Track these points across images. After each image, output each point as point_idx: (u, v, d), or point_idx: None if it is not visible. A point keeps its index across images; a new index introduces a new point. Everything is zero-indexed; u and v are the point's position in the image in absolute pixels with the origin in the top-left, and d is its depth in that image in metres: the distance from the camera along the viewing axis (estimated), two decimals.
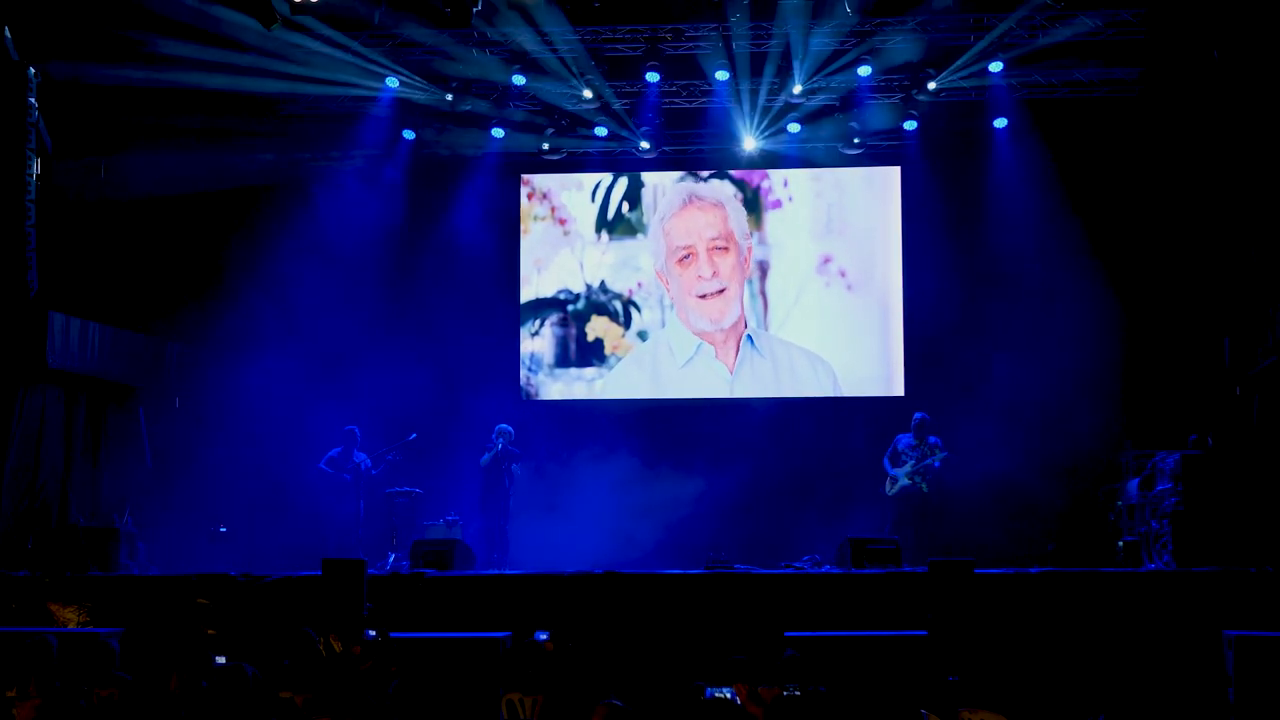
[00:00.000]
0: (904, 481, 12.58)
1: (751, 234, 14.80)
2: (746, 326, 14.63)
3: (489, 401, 14.20)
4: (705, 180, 14.94)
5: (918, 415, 12.78)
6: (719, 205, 14.84)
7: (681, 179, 14.99)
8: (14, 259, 11.49)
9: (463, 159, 14.83)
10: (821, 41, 13.33)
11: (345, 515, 12.72)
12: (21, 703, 6.67)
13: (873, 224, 14.73)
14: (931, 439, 12.61)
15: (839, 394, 14.46)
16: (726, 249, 14.74)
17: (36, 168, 11.66)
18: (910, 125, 14.09)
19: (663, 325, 14.77)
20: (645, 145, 14.43)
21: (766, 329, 14.66)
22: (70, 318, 12.39)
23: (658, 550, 12.60)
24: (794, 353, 14.58)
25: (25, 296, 11.63)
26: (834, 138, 14.37)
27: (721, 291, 14.65)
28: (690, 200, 14.90)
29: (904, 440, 12.74)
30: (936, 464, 12.50)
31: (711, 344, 14.64)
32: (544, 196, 15.15)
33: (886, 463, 12.78)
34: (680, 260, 14.74)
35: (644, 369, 14.75)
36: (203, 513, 13.43)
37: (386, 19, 13.18)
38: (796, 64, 13.48)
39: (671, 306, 14.75)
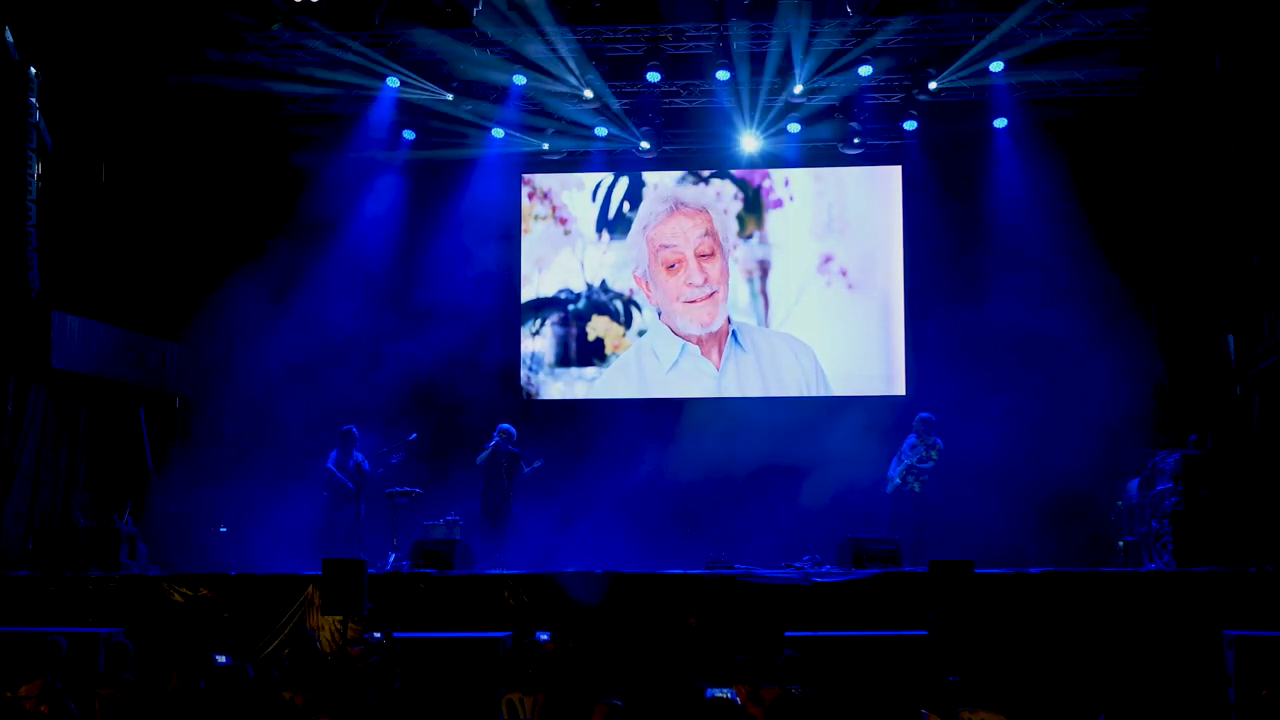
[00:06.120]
0: (897, 482, 12.59)
1: (753, 234, 14.80)
2: (730, 323, 14.63)
3: (489, 401, 14.21)
4: (706, 181, 14.94)
5: (921, 415, 12.77)
6: (703, 210, 14.84)
7: (682, 179, 14.98)
8: (15, 259, 11.48)
9: (463, 159, 14.83)
10: (822, 41, 13.34)
11: (345, 515, 12.72)
12: (31, 701, 6.68)
13: (873, 223, 14.72)
14: (935, 439, 12.60)
15: (822, 379, 14.49)
16: (713, 254, 14.75)
17: (37, 168, 11.65)
18: (910, 125, 14.08)
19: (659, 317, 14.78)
20: (645, 145, 14.42)
21: (767, 328, 14.65)
22: (72, 317, 12.38)
23: (659, 549, 12.59)
24: (775, 340, 14.60)
25: (27, 296, 11.63)
26: (834, 137, 14.37)
27: (710, 296, 14.66)
28: (676, 208, 14.88)
29: (908, 440, 12.73)
30: (929, 464, 12.49)
31: (697, 344, 14.65)
32: (545, 196, 15.15)
33: (892, 462, 12.78)
34: (669, 268, 14.74)
35: (629, 373, 14.72)
36: (203, 513, 13.43)
37: (386, 19, 13.18)
38: (797, 64, 13.48)
39: (657, 311, 14.73)
